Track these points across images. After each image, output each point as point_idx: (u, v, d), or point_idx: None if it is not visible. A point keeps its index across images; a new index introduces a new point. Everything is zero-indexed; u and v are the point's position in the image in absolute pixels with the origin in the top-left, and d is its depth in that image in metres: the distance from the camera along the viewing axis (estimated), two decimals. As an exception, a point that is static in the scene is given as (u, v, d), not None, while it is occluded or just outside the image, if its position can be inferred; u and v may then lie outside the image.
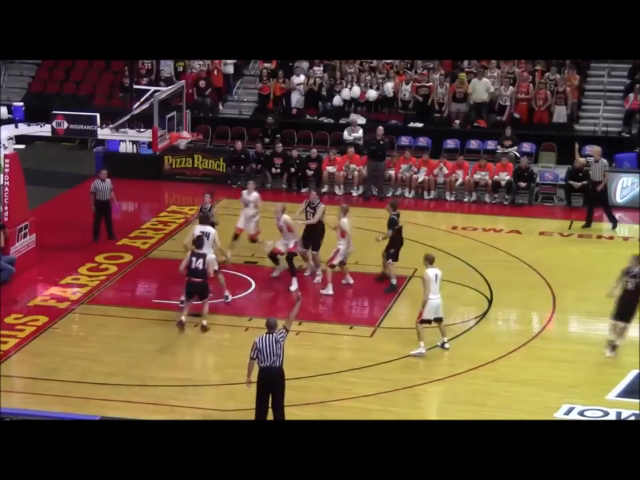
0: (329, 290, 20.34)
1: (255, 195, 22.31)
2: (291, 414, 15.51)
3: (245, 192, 22.53)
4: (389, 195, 27.53)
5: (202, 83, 30.89)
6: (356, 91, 29.85)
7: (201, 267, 18.48)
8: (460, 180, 27.07)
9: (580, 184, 26.30)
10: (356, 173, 27.62)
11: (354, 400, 16.26)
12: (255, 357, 14.87)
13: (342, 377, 17.08)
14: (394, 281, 20.63)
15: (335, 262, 20.34)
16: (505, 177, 26.93)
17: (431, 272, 17.73)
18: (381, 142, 27.58)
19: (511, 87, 29.22)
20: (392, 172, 27.55)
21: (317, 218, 20.85)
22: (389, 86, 29.70)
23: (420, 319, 17.69)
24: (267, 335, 14.89)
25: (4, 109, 28.26)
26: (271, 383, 14.79)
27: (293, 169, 27.79)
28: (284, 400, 14.85)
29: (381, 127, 27.91)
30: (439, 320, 17.85)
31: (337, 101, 30.10)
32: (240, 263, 21.87)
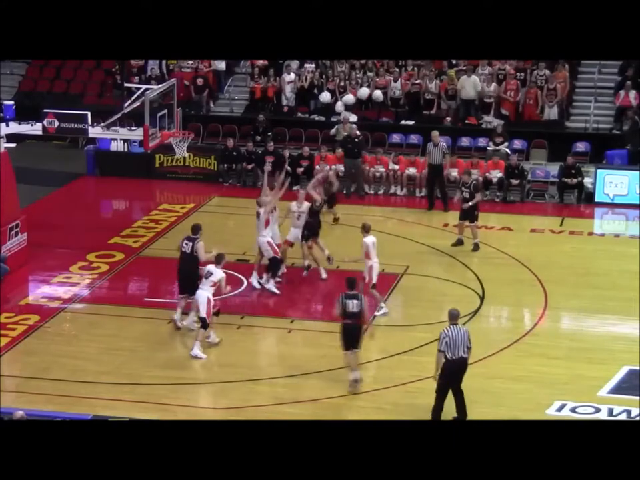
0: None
1: (307, 204, 21.14)
2: (284, 412, 15.53)
3: (294, 204, 21.17)
4: (380, 192, 27.59)
5: (199, 81, 30.85)
6: (349, 98, 29.85)
7: None
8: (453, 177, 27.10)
9: (576, 180, 26.46)
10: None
11: (346, 397, 16.26)
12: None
13: (334, 375, 17.07)
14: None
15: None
16: (496, 174, 26.96)
17: (369, 240, 18.97)
18: (356, 140, 27.60)
19: (494, 84, 29.25)
20: (382, 169, 27.59)
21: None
22: (378, 93, 29.75)
23: (370, 284, 18.85)
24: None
25: (-5, 108, 28.36)
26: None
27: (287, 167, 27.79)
28: None
29: (354, 125, 28.01)
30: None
31: (325, 97, 30.07)
32: (231, 261, 21.83)
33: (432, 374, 15.28)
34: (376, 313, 19.16)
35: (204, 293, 17.70)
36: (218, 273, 17.83)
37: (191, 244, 18.56)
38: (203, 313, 17.65)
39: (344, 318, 16.24)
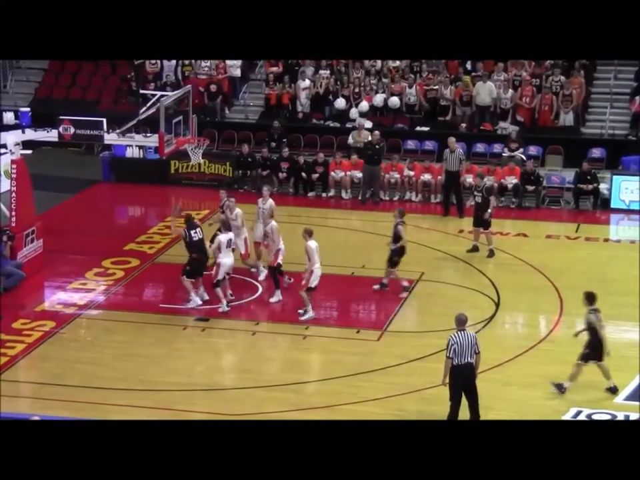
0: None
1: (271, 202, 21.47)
2: (297, 418, 15.49)
3: (260, 200, 21.77)
4: (396, 198, 27.56)
5: (213, 87, 30.92)
6: (364, 105, 29.86)
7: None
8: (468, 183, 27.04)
9: (591, 186, 26.41)
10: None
11: (361, 404, 16.23)
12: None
13: (349, 381, 17.05)
14: (405, 283, 20.77)
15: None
16: (512, 180, 26.90)
17: (313, 244, 19.14)
18: (377, 146, 27.59)
19: (511, 90, 29.22)
20: (397, 175, 27.58)
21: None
22: (395, 99, 29.76)
23: (306, 287, 19.13)
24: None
25: (11, 115, 28.51)
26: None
27: (302, 174, 27.84)
28: None
29: (377, 132, 27.99)
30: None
31: (340, 104, 30.08)
32: (247, 267, 21.84)
33: (447, 381, 15.25)
34: (300, 318, 19.36)
35: (230, 259, 19.88)
36: (229, 235, 20.01)
37: (200, 230, 20.10)
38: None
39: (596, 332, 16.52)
